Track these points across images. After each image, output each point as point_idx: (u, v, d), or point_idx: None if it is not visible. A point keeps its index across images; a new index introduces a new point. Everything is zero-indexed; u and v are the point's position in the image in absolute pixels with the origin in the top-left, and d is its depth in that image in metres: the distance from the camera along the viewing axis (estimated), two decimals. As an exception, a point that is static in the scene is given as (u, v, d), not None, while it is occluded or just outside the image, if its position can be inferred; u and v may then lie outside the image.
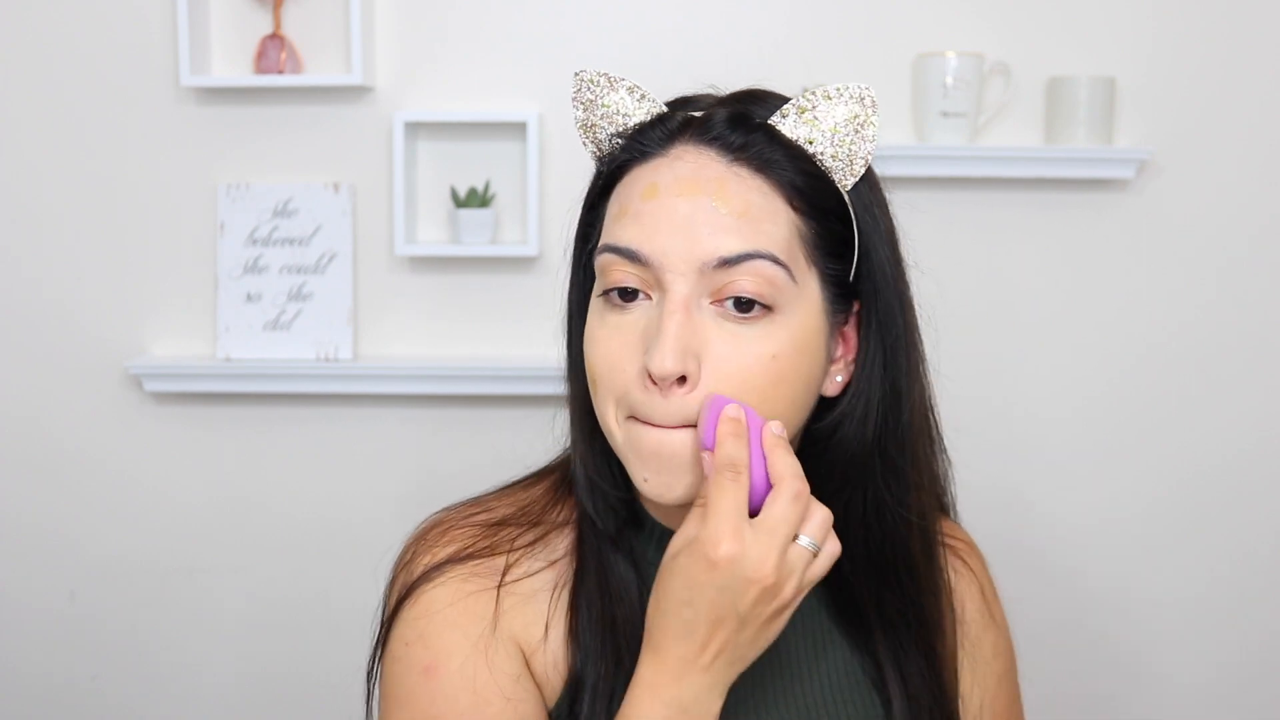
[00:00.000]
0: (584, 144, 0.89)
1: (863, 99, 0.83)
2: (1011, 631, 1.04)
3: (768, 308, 0.80)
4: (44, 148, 2.04)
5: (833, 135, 0.83)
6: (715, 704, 0.78)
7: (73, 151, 2.04)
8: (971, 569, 1.01)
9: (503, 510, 0.95)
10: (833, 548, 0.79)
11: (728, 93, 0.89)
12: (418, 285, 2.06)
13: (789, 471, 0.78)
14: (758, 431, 0.79)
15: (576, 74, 0.87)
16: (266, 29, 2.00)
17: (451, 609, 0.88)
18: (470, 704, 0.85)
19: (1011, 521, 2.06)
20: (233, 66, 2.03)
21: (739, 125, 0.83)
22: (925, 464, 0.92)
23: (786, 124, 0.83)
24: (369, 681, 0.94)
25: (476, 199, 2.00)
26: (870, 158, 0.84)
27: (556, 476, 0.98)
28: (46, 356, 2.08)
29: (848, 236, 0.84)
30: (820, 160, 0.83)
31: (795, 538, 0.77)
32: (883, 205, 0.88)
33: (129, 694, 2.14)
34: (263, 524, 2.10)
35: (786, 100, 0.87)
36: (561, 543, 0.93)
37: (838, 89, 0.83)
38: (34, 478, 2.10)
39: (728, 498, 0.76)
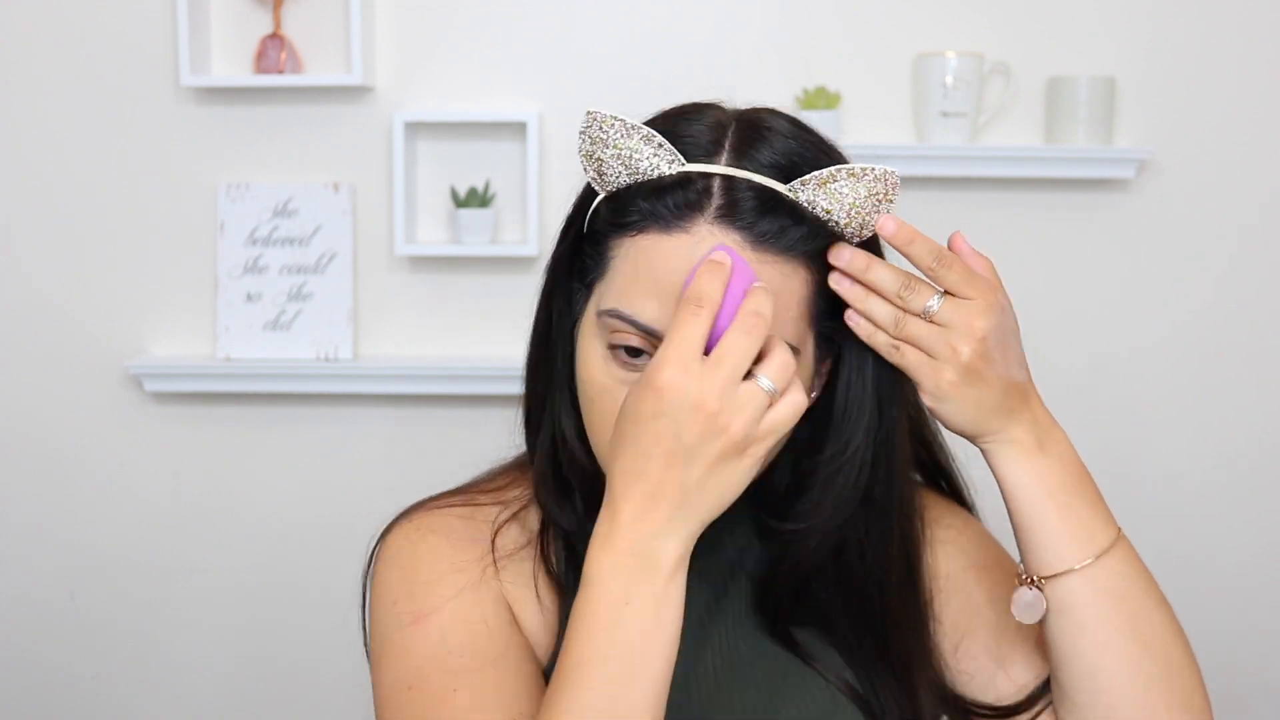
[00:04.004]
0: (584, 170, 0.87)
1: (885, 179, 0.83)
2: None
3: None
4: (44, 148, 2.04)
5: (851, 210, 0.83)
6: (671, 551, 0.75)
7: (73, 151, 2.04)
8: (953, 541, 1.02)
9: (477, 496, 0.98)
10: (796, 397, 0.77)
11: (731, 113, 0.88)
12: (418, 285, 2.06)
13: (750, 308, 0.76)
14: (743, 283, 0.78)
15: (589, 112, 0.85)
16: (266, 29, 2.00)
17: (436, 563, 0.90)
18: (461, 638, 0.86)
19: (1006, 528, 2.06)
20: (233, 66, 2.03)
21: (767, 212, 0.82)
22: (911, 504, 0.95)
23: (806, 193, 0.83)
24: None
25: (476, 199, 2.00)
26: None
27: (519, 461, 1.01)
28: (46, 356, 2.08)
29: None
30: (835, 227, 0.84)
31: (754, 376, 0.76)
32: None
33: (129, 693, 2.14)
34: (262, 524, 2.10)
35: (793, 131, 0.86)
36: (534, 519, 0.96)
37: (863, 169, 0.83)
38: (34, 477, 2.10)
39: (681, 330, 0.75)
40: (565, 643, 0.76)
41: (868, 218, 0.84)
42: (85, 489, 2.10)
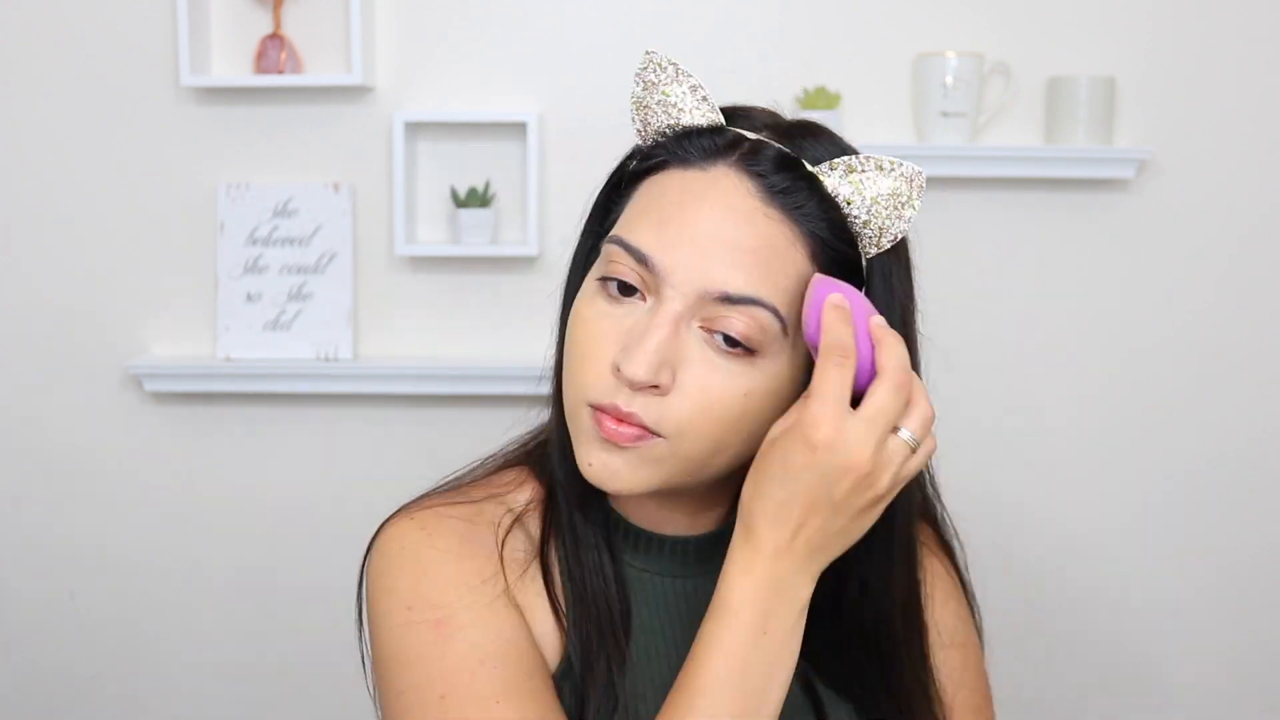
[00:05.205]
0: (632, 120, 0.88)
1: (911, 180, 0.82)
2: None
3: (752, 351, 0.81)
4: (44, 148, 2.04)
5: (872, 204, 0.82)
6: (805, 589, 0.78)
7: (73, 151, 2.04)
8: (934, 572, 1.00)
9: (472, 491, 0.96)
10: (930, 445, 0.79)
11: (788, 118, 0.88)
12: (418, 285, 2.06)
13: (894, 363, 0.77)
14: (863, 319, 0.79)
15: (648, 52, 0.86)
16: (266, 29, 2.00)
17: (447, 567, 0.89)
18: (494, 650, 0.85)
19: (1008, 525, 2.06)
20: (233, 66, 2.03)
21: (785, 169, 0.82)
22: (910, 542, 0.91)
23: (831, 179, 0.83)
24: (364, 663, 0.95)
25: (476, 199, 2.00)
26: (899, 236, 0.84)
27: (514, 460, 0.99)
28: (46, 356, 2.08)
29: None
30: (852, 223, 0.83)
31: (896, 430, 0.77)
32: (905, 281, 0.87)
33: (129, 693, 2.14)
34: (263, 524, 2.10)
35: (843, 146, 0.86)
36: (536, 524, 0.94)
37: (891, 163, 0.82)
38: (34, 477, 2.10)
39: (831, 382, 0.76)
40: (694, 661, 0.78)
41: (887, 221, 0.83)
42: (85, 489, 2.10)
